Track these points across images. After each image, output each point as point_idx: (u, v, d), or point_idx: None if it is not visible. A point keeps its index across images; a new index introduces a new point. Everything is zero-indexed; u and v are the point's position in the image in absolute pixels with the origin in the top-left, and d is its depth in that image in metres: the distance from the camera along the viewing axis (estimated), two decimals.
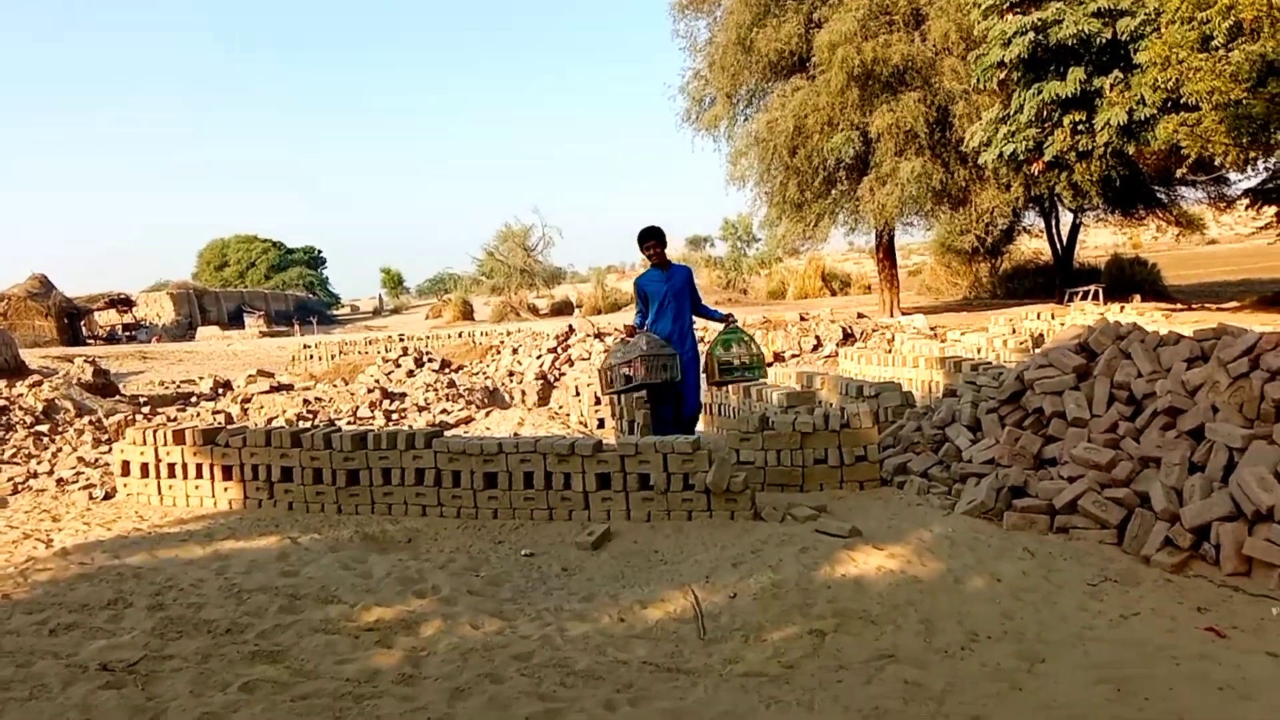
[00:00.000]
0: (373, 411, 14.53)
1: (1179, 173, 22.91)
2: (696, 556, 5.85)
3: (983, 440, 7.23)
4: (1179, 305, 24.20)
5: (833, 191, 29.60)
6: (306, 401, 15.30)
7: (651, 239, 8.17)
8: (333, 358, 27.96)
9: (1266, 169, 20.36)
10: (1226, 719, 3.51)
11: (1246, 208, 24.98)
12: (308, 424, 12.33)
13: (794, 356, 20.02)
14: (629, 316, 12.30)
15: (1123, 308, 20.14)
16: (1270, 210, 23.42)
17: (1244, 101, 8.80)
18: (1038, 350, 8.75)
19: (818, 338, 21.07)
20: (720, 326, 8.80)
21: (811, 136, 27.76)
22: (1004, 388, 7.43)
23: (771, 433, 7.41)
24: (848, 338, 20.86)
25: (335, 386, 17.41)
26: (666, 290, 8.19)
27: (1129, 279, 31.80)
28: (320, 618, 4.86)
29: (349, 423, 13.80)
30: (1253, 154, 11.28)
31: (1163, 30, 12.93)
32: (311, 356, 28.45)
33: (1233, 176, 24.96)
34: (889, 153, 27.05)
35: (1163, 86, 11.37)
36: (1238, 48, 8.96)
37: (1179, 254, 50.72)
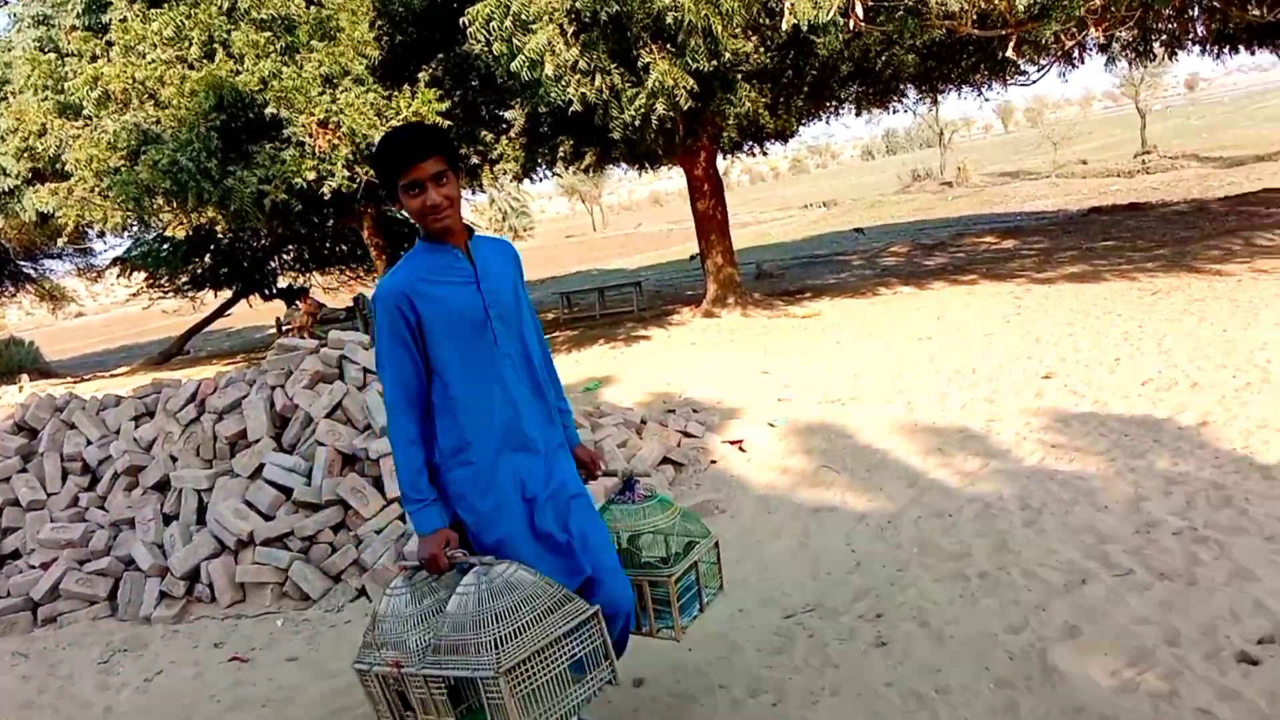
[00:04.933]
0: None
1: (60, 244, 22.58)
2: None
3: None
4: (71, 378, 23.92)
5: None
6: None
7: (437, 154, 2.58)
8: None
9: (131, 237, 21.45)
10: None
11: (118, 276, 25.90)
12: None
13: None
14: None
15: (20, 388, 19.08)
16: (140, 276, 24.71)
17: (122, 168, 9.20)
18: None
19: None
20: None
21: None
22: None
23: None
24: None
25: None
26: (485, 306, 2.72)
27: (10, 360, 30.16)
28: None
29: None
30: (130, 220, 11.83)
31: (13, 100, 12.58)
32: None
33: (99, 246, 25.65)
34: None
35: (29, 155, 11.12)
36: (109, 117, 9.32)
37: (52, 330, 49.91)
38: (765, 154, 16.17)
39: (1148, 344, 7.72)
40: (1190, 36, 14.41)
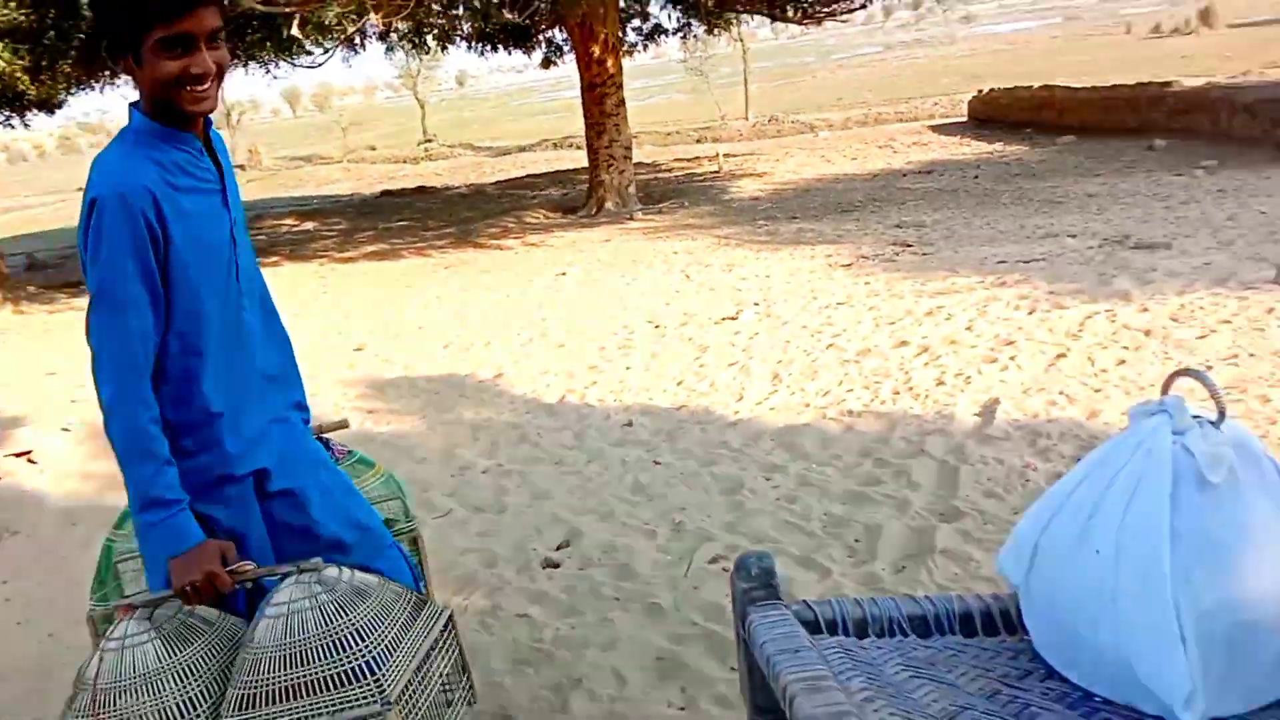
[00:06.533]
0: None
1: None
2: None
3: None
4: None
5: None
6: None
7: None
8: None
9: None
10: None
11: None
12: None
13: None
14: None
15: None
16: None
17: None
18: None
19: None
20: None
21: None
22: None
23: None
24: None
25: None
26: (231, 225, 1.82)
27: None
28: None
29: None
30: None
31: None
32: None
33: None
34: None
35: None
36: None
37: None
38: (27, 126, 14.21)
39: (445, 312, 8.42)
40: (458, 33, 15.86)
